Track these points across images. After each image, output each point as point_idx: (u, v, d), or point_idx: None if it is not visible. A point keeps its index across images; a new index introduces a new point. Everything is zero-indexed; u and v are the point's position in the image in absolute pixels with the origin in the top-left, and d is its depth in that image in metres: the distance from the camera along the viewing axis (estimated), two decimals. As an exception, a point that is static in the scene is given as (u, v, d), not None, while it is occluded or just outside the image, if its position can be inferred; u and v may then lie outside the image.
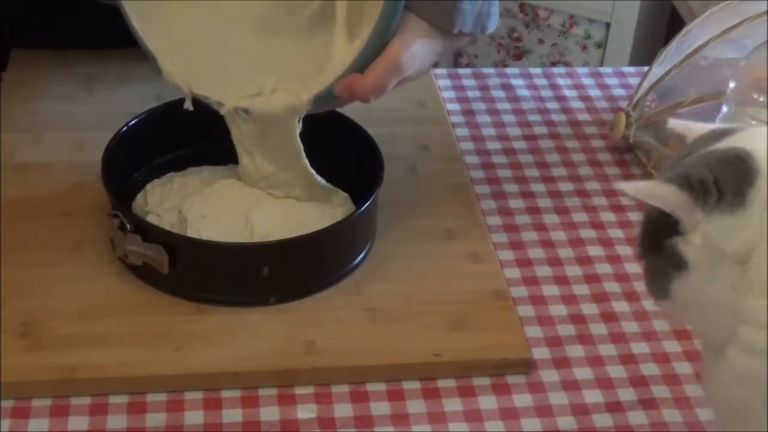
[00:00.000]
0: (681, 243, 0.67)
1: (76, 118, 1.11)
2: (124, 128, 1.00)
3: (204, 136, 1.05)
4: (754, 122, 0.89)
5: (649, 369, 0.90)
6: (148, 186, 1.01)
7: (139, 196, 1.00)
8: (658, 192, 0.66)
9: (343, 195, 1.01)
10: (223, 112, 0.95)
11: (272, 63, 0.95)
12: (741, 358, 0.66)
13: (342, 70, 0.89)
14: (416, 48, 0.89)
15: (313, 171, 0.98)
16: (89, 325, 0.89)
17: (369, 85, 0.88)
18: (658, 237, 0.68)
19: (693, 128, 0.72)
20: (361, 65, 0.89)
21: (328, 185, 1.00)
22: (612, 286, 0.98)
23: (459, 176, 1.08)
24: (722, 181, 0.65)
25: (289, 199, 1.00)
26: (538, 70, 1.28)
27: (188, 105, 0.96)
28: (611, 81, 1.27)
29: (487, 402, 0.87)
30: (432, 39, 0.91)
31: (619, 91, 1.26)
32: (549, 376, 0.90)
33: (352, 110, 1.04)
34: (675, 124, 0.74)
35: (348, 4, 0.91)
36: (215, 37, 0.97)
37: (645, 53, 2.35)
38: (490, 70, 1.28)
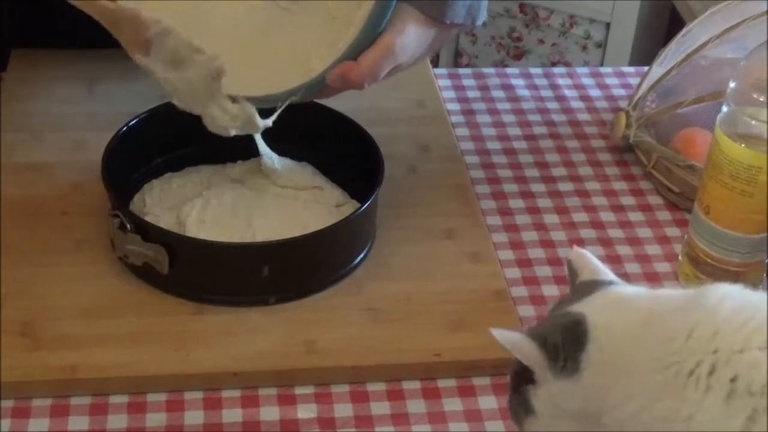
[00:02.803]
0: (532, 391, 0.73)
1: (76, 118, 1.11)
2: (124, 128, 1.00)
3: (204, 136, 1.05)
4: (754, 122, 0.89)
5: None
6: (146, 186, 1.01)
7: (137, 197, 1.00)
8: (522, 347, 0.72)
9: (341, 196, 1.01)
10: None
11: (264, 53, 0.95)
12: None
13: (333, 58, 0.90)
14: (409, 36, 0.91)
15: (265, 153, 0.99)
16: (89, 325, 0.89)
17: (363, 72, 0.89)
18: (519, 380, 0.74)
19: (585, 268, 0.78)
20: (353, 54, 0.89)
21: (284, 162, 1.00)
22: (612, 286, 0.98)
23: (459, 176, 1.08)
24: (566, 347, 0.71)
25: (290, 201, 1.00)
26: (538, 70, 1.28)
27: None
28: (611, 81, 1.27)
29: (487, 402, 0.87)
30: (425, 29, 0.92)
31: (619, 91, 1.26)
32: (549, 376, 0.89)
33: (352, 110, 1.04)
34: (575, 255, 0.79)
35: None
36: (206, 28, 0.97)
37: (645, 53, 2.35)
38: (490, 70, 1.28)
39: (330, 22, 0.92)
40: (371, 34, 0.89)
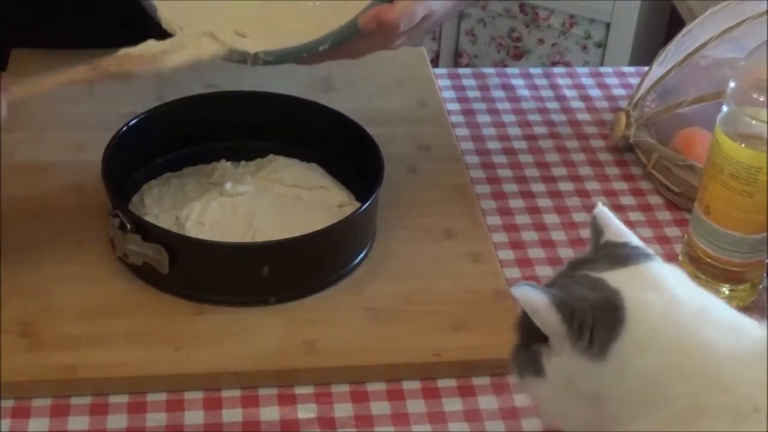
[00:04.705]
0: (545, 354, 0.69)
1: (76, 118, 1.11)
2: (124, 128, 1.00)
3: (204, 136, 1.05)
4: (754, 122, 0.89)
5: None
6: (145, 187, 1.01)
7: (136, 198, 1.00)
8: (545, 316, 0.67)
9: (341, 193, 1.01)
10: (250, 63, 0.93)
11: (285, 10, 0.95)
12: None
13: (364, 4, 0.88)
14: None
15: None
16: (89, 325, 0.89)
17: (398, 12, 0.86)
18: (531, 336, 0.70)
19: (610, 227, 0.74)
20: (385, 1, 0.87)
21: None
22: (612, 286, 0.98)
23: (459, 176, 1.08)
24: (596, 329, 0.67)
25: (292, 201, 0.99)
26: (538, 70, 1.28)
27: None
28: (611, 81, 1.27)
29: (487, 402, 0.87)
30: None
31: (619, 91, 1.26)
32: (549, 376, 0.89)
33: (352, 110, 1.04)
34: (600, 212, 0.75)
35: None
36: None
37: (645, 53, 2.35)
38: (490, 70, 1.28)
39: None
40: None
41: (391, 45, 0.90)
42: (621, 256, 0.71)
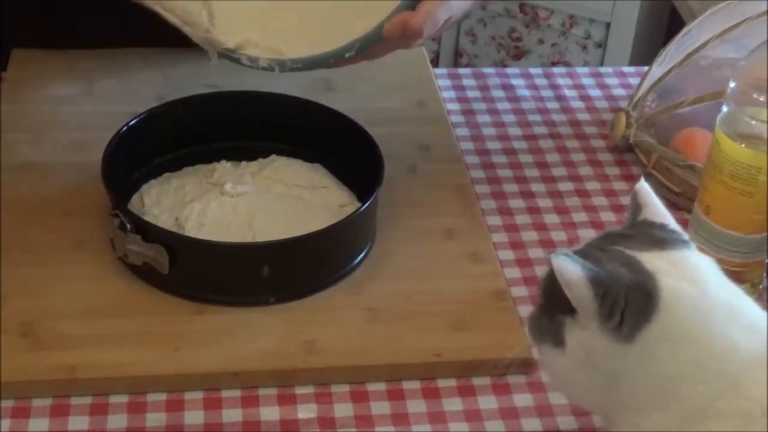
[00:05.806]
0: (568, 326, 0.68)
1: (76, 118, 1.11)
2: (124, 128, 1.00)
3: (204, 137, 1.05)
4: (754, 122, 0.89)
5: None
6: (144, 187, 1.01)
7: (135, 198, 1.00)
8: (577, 288, 0.67)
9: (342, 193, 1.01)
10: (263, 65, 0.94)
11: (309, 13, 0.96)
12: None
13: (390, 10, 0.89)
14: None
15: None
16: (89, 325, 0.89)
17: (422, 19, 0.89)
18: (555, 305, 0.69)
19: (650, 206, 0.73)
20: (408, 6, 0.89)
21: None
22: (612, 286, 0.98)
23: (459, 176, 1.08)
24: (628, 313, 0.66)
25: (293, 201, 0.99)
26: (538, 70, 1.28)
27: (214, 60, 0.96)
28: (611, 81, 1.28)
29: (487, 402, 0.87)
30: None
31: (619, 91, 1.26)
32: (549, 376, 0.89)
33: (352, 110, 1.04)
34: (642, 189, 0.75)
35: None
36: None
37: (645, 53, 2.35)
38: (490, 70, 1.28)
39: None
40: None
41: (410, 47, 0.92)
42: (658, 237, 0.71)
